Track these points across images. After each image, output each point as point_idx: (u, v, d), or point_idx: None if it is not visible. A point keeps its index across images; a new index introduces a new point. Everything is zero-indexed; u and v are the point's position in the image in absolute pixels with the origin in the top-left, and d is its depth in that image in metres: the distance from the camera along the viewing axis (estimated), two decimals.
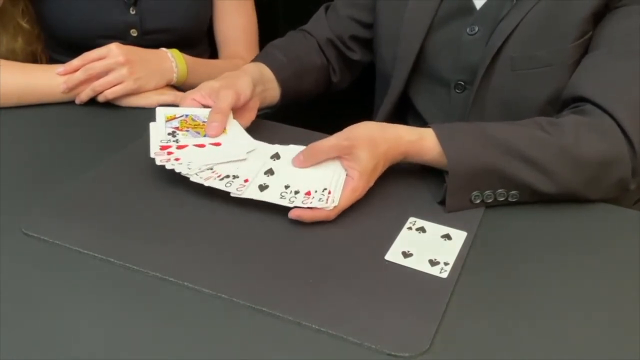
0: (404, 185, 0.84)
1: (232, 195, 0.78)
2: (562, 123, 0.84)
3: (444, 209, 0.81)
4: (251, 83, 0.93)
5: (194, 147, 0.84)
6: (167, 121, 0.88)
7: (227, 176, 0.80)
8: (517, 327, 0.66)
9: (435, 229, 0.78)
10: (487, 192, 0.81)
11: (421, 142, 0.82)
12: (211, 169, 0.81)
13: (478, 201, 0.82)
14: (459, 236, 0.77)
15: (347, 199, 0.78)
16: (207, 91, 0.91)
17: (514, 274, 0.73)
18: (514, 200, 0.82)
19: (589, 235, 0.80)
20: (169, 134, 0.86)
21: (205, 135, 0.86)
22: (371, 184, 0.81)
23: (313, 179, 0.80)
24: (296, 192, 0.78)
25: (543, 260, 0.75)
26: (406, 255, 0.74)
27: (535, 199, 0.83)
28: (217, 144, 0.85)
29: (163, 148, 0.83)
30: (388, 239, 0.76)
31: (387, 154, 0.81)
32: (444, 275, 0.71)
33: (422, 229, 0.78)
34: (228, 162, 0.82)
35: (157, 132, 0.86)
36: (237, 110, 0.91)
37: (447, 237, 0.77)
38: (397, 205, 0.82)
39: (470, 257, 0.74)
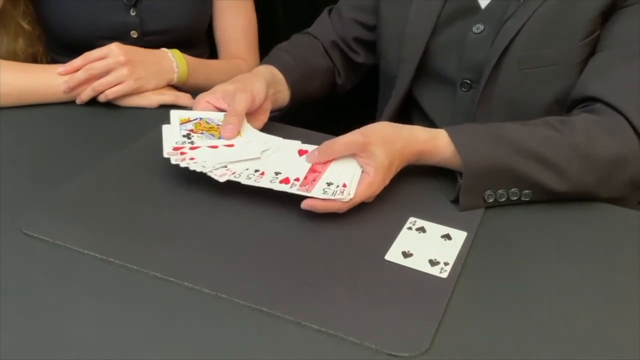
0: (404, 185, 0.84)
1: (244, 183, 0.79)
2: (574, 122, 0.84)
3: (457, 207, 0.81)
4: (265, 85, 0.94)
5: (207, 148, 0.84)
6: (181, 124, 0.88)
7: (241, 173, 0.81)
8: (517, 326, 0.65)
9: (435, 229, 0.78)
10: (500, 191, 0.82)
11: (435, 141, 0.83)
12: (225, 166, 0.81)
13: (491, 200, 0.82)
14: (459, 236, 0.77)
15: (362, 193, 0.78)
16: (221, 94, 0.91)
17: (514, 274, 0.73)
18: (527, 199, 0.83)
19: (589, 235, 0.80)
20: (183, 136, 0.86)
21: (219, 138, 0.87)
22: (387, 182, 0.81)
23: (329, 173, 0.80)
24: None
25: (543, 260, 0.75)
26: (406, 255, 0.74)
27: (547, 197, 0.83)
28: (231, 145, 0.86)
29: (176, 149, 0.84)
30: (388, 239, 0.76)
31: (403, 152, 0.82)
32: (444, 275, 0.71)
33: (422, 229, 0.78)
34: (242, 160, 0.83)
35: (171, 134, 0.87)
36: (251, 113, 0.91)
37: (447, 237, 0.77)
38: (397, 205, 0.82)
39: (470, 257, 0.74)
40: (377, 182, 0.79)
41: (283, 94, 1.03)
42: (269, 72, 1.00)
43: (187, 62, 1.12)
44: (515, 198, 0.82)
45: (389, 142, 0.80)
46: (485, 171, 0.80)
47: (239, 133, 0.87)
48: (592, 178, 0.82)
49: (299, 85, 1.05)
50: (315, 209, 0.77)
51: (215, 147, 0.85)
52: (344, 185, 0.78)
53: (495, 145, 0.81)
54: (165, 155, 0.82)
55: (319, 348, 0.62)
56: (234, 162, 0.82)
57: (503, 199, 0.82)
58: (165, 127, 0.88)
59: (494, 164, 0.80)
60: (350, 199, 0.77)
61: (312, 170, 0.81)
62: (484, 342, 0.63)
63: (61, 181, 0.85)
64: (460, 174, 0.81)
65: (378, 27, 1.11)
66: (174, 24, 1.23)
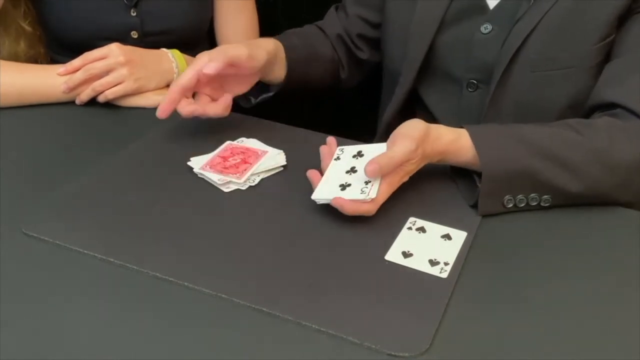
0: (404, 185, 0.84)
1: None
2: (596, 125, 0.84)
3: (476, 212, 0.81)
4: (265, 53, 0.95)
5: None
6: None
7: None
8: (517, 327, 0.65)
9: (435, 229, 0.78)
10: (520, 196, 0.81)
11: (459, 141, 0.82)
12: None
13: (510, 205, 0.81)
14: (459, 236, 0.77)
15: (384, 194, 0.78)
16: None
17: (514, 274, 0.73)
18: (546, 205, 0.82)
19: (589, 235, 0.79)
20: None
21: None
22: (405, 179, 0.81)
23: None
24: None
25: (543, 261, 0.75)
26: (406, 255, 0.74)
27: (566, 202, 0.82)
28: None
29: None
30: (388, 239, 0.76)
31: (430, 154, 0.81)
32: (444, 275, 0.71)
33: (422, 229, 0.78)
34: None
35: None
36: (236, 76, 0.94)
37: (447, 237, 0.77)
38: (397, 205, 0.82)
39: (470, 257, 0.74)
40: (395, 182, 0.79)
41: (279, 67, 1.02)
42: (272, 43, 1.00)
43: (187, 62, 1.12)
44: (534, 204, 0.82)
45: (421, 143, 0.80)
46: (505, 174, 0.79)
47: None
48: (612, 182, 0.81)
49: (300, 66, 1.04)
50: (343, 209, 0.76)
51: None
52: (367, 184, 0.78)
53: (515, 147, 0.80)
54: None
55: (319, 348, 0.62)
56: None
57: (522, 205, 0.81)
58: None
59: (513, 167, 0.79)
60: (372, 199, 0.76)
61: None
62: (484, 342, 0.63)
63: (61, 181, 0.85)
64: (479, 176, 0.80)
65: (383, 25, 1.11)
66: (175, 24, 1.23)
